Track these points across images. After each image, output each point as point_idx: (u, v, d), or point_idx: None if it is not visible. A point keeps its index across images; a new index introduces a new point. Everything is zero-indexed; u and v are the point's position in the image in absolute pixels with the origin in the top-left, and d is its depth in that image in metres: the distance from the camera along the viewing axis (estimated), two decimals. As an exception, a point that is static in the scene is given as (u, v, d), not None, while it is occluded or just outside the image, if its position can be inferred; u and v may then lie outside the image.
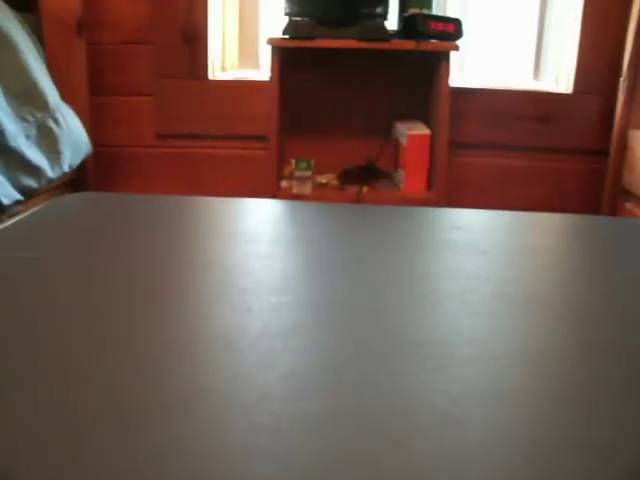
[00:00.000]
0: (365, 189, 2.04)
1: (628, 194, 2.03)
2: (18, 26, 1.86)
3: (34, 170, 1.75)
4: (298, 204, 1.08)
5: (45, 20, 2.04)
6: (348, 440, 0.44)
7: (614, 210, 2.10)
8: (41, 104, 1.84)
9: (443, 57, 1.95)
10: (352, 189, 2.07)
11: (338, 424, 0.46)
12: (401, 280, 0.72)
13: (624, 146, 2.05)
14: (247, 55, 2.44)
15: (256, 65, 2.42)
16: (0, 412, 0.47)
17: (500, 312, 0.65)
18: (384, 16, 1.95)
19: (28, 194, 1.72)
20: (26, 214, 0.97)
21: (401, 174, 2.10)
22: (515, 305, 0.66)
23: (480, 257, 0.80)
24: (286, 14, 1.94)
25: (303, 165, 2.10)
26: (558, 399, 0.49)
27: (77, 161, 1.97)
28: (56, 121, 1.89)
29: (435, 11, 2.07)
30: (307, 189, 2.06)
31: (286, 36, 1.89)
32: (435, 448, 0.44)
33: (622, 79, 2.05)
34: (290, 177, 2.10)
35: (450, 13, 2.26)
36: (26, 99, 1.77)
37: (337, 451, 0.43)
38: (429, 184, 2.07)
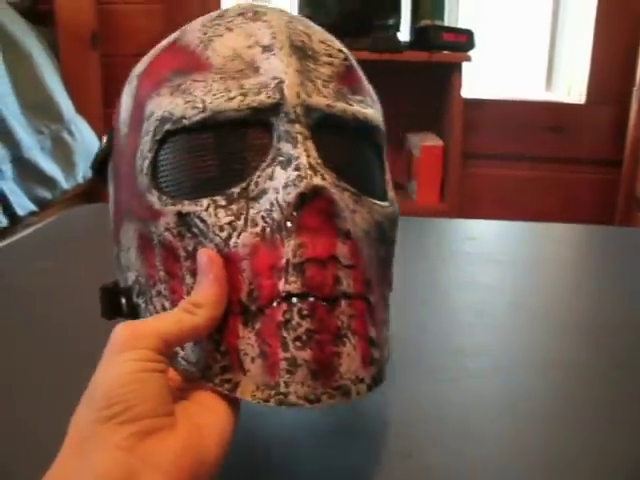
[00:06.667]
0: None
1: (642, 204, 2.02)
2: (34, 40, 1.89)
3: (48, 181, 1.76)
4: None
5: (60, 34, 2.06)
6: (361, 450, 0.44)
7: (628, 220, 2.09)
8: (56, 116, 1.86)
9: (455, 68, 1.95)
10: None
11: (351, 434, 0.46)
12: (414, 291, 0.72)
13: (637, 156, 2.04)
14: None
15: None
16: (7, 412, 0.47)
17: (514, 323, 0.65)
18: (396, 28, 1.95)
19: (42, 205, 1.73)
20: (40, 225, 0.98)
21: (414, 185, 2.10)
22: (529, 316, 0.66)
23: (493, 268, 0.80)
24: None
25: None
26: (574, 412, 0.49)
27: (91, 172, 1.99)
28: (70, 133, 1.90)
29: (447, 22, 2.08)
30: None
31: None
32: (449, 460, 0.44)
33: (635, 89, 2.04)
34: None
35: (462, 24, 2.26)
36: (41, 111, 1.79)
37: (349, 461, 0.43)
38: (442, 195, 2.07)
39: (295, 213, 0.35)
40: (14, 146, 1.63)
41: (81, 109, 2.00)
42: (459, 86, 1.96)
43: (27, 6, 1.99)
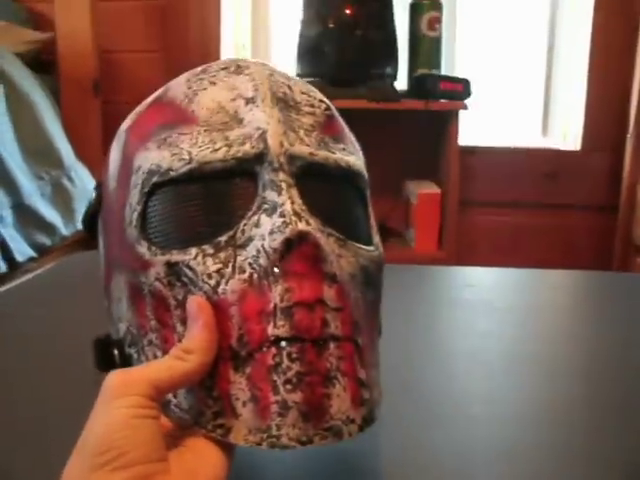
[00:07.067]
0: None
1: (639, 249, 2.03)
2: (38, 88, 1.91)
3: (48, 227, 1.77)
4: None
5: (62, 82, 2.09)
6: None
7: (625, 266, 2.09)
8: (56, 163, 1.87)
9: (452, 116, 1.97)
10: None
11: (347, 478, 0.46)
12: (412, 338, 0.72)
13: (633, 202, 2.06)
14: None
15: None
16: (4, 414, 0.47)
17: (512, 370, 0.65)
18: (394, 77, 1.99)
19: (42, 251, 1.74)
20: (39, 271, 0.98)
21: (412, 233, 2.11)
22: (527, 363, 0.66)
23: (491, 315, 0.80)
24: (298, 75, 1.98)
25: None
26: (571, 460, 0.49)
27: (91, 218, 1.99)
28: (70, 179, 1.92)
29: (444, 71, 2.11)
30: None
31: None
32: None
33: (629, 135, 2.06)
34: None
35: (458, 72, 2.30)
36: (42, 158, 1.81)
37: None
38: (440, 242, 2.08)
39: (281, 258, 0.36)
40: (15, 192, 1.64)
41: (81, 156, 2.01)
42: (456, 134, 1.98)
43: (31, 56, 2.02)
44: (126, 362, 0.43)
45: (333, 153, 0.42)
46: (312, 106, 0.43)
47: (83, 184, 1.96)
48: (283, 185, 0.38)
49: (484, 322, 0.77)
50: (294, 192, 0.38)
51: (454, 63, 2.38)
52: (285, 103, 0.42)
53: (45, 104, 1.92)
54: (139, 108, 0.45)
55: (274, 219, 0.37)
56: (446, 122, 2.01)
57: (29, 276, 0.96)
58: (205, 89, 0.42)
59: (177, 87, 0.43)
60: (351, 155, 0.44)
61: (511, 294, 0.90)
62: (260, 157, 0.39)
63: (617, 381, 0.62)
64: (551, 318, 0.81)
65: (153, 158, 0.40)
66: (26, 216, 1.68)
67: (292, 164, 0.39)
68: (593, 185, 2.22)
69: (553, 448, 0.50)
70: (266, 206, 0.38)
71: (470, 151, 2.20)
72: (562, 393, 0.60)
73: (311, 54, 1.96)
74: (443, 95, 1.95)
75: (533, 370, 0.65)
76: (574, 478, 0.47)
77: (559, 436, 0.52)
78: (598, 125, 2.19)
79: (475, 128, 2.31)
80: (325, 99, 0.45)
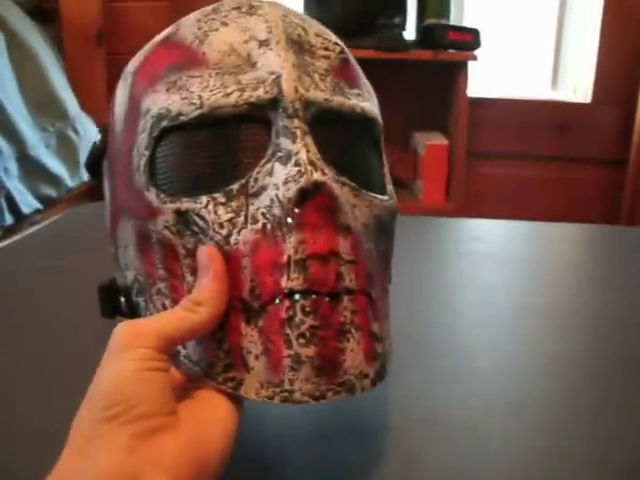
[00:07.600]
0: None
1: (648, 204, 2.01)
2: (39, 38, 1.89)
3: (54, 179, 1.76)
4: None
5: (65, 31, 2.06)
6: (367, 450, 0.44)
7: (633, 220, 2.08)
8: (61, 114, 1.86)
9: (461, 67, 1.94)
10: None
11: (357, 433, 0.46)
12: (419, 291, 0.72)
13: (643, 156, 2.04)
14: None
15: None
16: (9, 410, 0.47)
17: (519, 323, 0.64)
18: (402, 26, 1.95)
19: (47, 203, 1.73)
20: (45, 223, 0.98)
21: (419, 184, 2.10)
22: (534, 316, 0.66)
23: (498, 268, 0.79)
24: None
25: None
26: (578, 413, 0.49)
27: (96, 170, 1.98)
28: (75, 131, 1.90)
29: (453, 21, 2.07)
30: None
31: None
32: (453, 460, 0.43)
33: (641, 89, 2.03)
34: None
35: (468, 23, 2.26)
36: (46, 109, 1.79)
37: (356, 460, 0.43)
38: (447, 194, 2.06)
39: (296, 209, 0.35)
40: (19, 144, 1.63)
41: (86, 107, 2.00)
42: (465, 85, 1.96)
43: (32, 4, 1.99)
44: (133, 310, 0.43)
45: (348, 99, 0.40)
46: (327, 49, 0.41)
47: (88, 135, 1.95)
48: (298, 132, 0.36)
49: (491, 275, 0.77)
50: (309, 140, 0.36)
51: (463, 13, 2.33)
52: (299, 46, 0.40)
53: (48, 54, 1.90)
54: (147, 47, 0.43)
55: (288, 168, 0.35)
56: (455, 73, 1.97)
57: (35, 228, 0.96)
58: (216, 30, 0.40)
59: (187, 27, 0.41)
60: (366, 101, 0.42)
61: (518, 247, 0.89)
62: (274, 103, 0.37)
63: (623, 336, 0.62)
64: (558, 272, 0.81)
65: (162, 102, 0.38)
66: (31, 168, 1.68)
67: (307, 110, 0.37)
68: (603, 138, 2.19)
69: (559, 403, 0.50)
70: (280, 154, 0.36)
71: (479, 102, 2.17)
72: (569, 347, 0.60)
73: (318, 3, 1.93)
74: (452, 45, 1.91)
75: (540, 324, 0.65)
76: (580, 432, 0.47)
77: (566, 391, 0.52)
78: (609, 78, 2.15)
79: (484, 79, 2.27)
80: (340, 42, 0.43)
